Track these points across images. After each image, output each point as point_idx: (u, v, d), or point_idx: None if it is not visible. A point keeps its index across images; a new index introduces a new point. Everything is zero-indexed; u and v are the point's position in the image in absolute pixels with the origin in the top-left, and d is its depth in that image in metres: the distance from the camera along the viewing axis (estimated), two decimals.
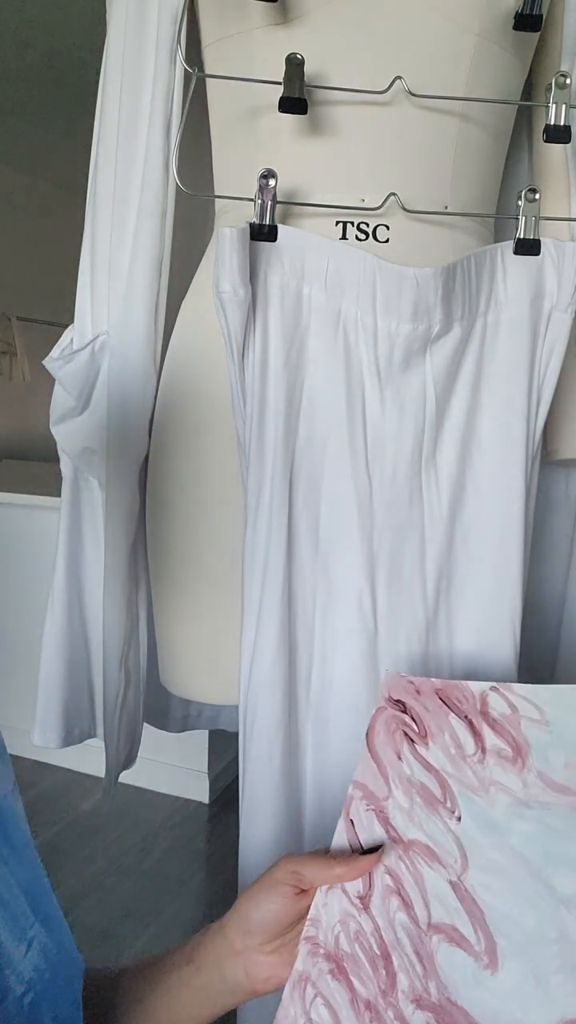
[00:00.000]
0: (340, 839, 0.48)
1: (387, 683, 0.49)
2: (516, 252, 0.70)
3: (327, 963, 0.47)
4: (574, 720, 0.43)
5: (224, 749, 2.08)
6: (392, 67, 0.65)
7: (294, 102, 0.64)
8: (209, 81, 0.74)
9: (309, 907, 0.47)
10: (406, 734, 0.48)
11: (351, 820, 0.48)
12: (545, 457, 0.82)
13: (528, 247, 0.69)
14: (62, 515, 0.86)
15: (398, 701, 0.48)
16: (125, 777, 0.94)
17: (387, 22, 0.65)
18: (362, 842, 0.48)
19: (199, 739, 2.01)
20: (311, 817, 0.73)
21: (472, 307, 0.70)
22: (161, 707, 0.98)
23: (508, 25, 0.67)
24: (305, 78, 0.64)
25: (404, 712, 0.48)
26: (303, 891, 0.47)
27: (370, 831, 0.48)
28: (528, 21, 0.65)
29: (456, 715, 0.46)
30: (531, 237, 0.69)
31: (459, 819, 0.45)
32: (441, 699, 0.47)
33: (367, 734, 0.49)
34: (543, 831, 0.43)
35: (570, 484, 0.88)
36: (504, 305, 0.71)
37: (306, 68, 0.64)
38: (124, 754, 0.89)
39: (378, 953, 0.46)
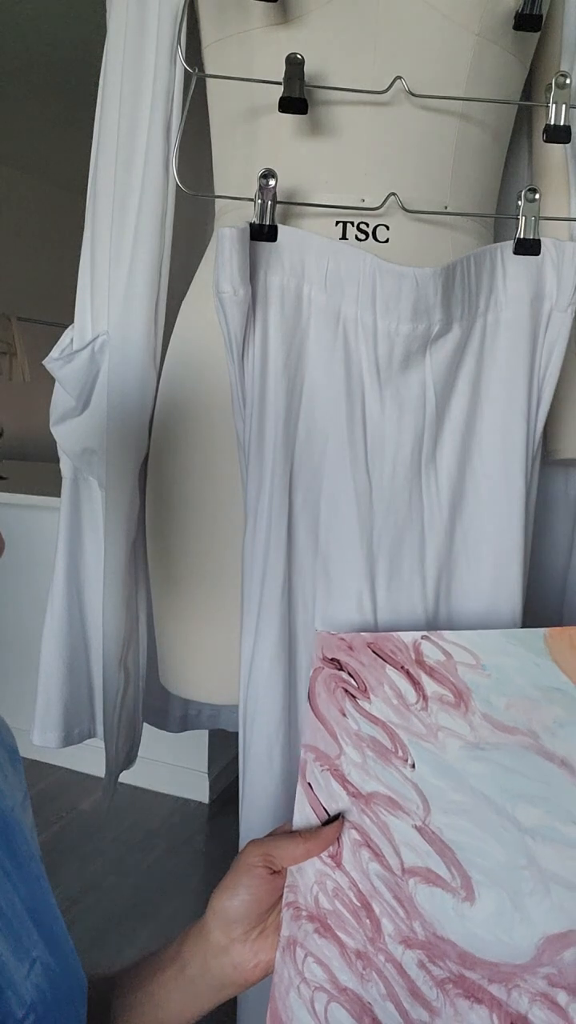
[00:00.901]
0: (302, 803, 0.50)
1: (320, 643, 0.50)
2: (516, 252, 0.70)
3: (311, 923, 0.48)
4: (509, 663, 0.46)
5: (224, 749, 2.08)
6: (392, 67, 0.65)
7: (294, 102, 0.64)
8: (209, 81, 0.74)
9: (284, 886, 0.48)
10: (346, 691, 0.49)
11: (309, 784, 0.50)
12: (545, 457, 0.82)
13: (528, 247, 0.69)
14: (62, 515, 0.86)
15: (333, 660, 0.50)
16: (125, 777, 0.94)
17: (387, 22, 0.65)
18: (323, 803, 0.49)
19: (199, 739, 2.01)
20: None
21: (472, 307, 0.70)
22: (161, 707, 0.98)
23: (508, 25, 0.67)
24: (305, 78, 0.64)
25: (340, 669, 0.49)
26: (276, 871, 0.48)
27: (328, 791, 0.49)
28: (528, 21, 0.65)
29: (392, 666, 0.48)
30: (531, 237, 0.69)
31: (413, 766, 0.47)
32: (375, 652, 0.49)
33: (309, 696, 0.50)
34: (497, 770, 0.45)
35: (570, 484, 0.88)
36: (504, 305, 0.71)
37: (306, 68, 0.64)
38: (124, 754, 0.89)
39: (358, 904, 0.47)
